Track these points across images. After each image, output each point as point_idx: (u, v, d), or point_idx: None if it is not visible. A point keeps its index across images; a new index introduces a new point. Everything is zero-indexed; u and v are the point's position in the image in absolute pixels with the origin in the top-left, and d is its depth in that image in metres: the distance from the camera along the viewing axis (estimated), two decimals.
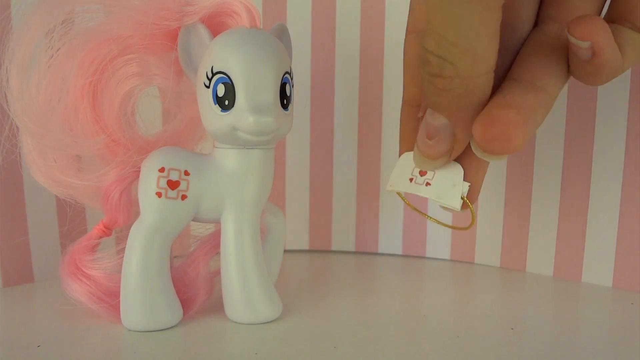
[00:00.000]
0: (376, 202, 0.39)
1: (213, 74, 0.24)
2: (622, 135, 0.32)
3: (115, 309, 0.26)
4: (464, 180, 0.25)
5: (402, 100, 0.27)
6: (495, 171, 0.37)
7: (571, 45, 0.21)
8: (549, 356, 0.24)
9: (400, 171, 0.27)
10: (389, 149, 0.39)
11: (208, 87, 0.25)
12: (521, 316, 0.29)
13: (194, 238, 0.30)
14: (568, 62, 0.23)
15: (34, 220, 0.32)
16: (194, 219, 0.27)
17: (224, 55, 0.24)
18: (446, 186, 0.25)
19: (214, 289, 0.28)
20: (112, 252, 0.27)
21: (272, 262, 0.29)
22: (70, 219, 0.31)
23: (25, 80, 0.25)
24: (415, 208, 0.29)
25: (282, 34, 0.27)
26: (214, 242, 0.28)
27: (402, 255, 0.40)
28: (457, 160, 0.25)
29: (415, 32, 0.26)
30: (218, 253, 0.27)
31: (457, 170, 0.25)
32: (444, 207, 0.26)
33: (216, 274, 0.28)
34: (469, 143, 0.24)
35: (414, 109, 0.27)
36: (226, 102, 0.24)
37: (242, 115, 0.24)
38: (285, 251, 0.31)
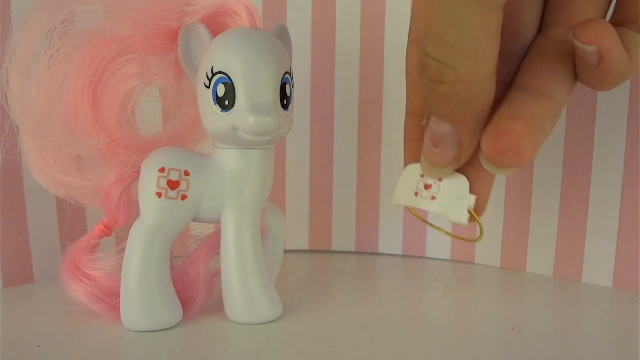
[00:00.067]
0: (376, 202, 0.39)
1: (213, 74, 0.24)
2: (622, 135, 0.32)
3: (115, 309, 0.26)
4: (470, 192, 0.24)
5: (406, 112, 0.27)
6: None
7: (577, 50, 0.21)
8: (549, 356, 0.24)
9: (404, 184, 0.26)
10: (389, 149, 0.39)
11: (208, 87, 0.25)
12: (521, 316, 0.29)
13: (194, 238, 0.30)
14: (574, 67, 0.22)
15: (34, 220, 0.32)
16: (194, 219, 0.27)
17: (224, 55, 0.24)
18: (452, 200, 0.24)
19: (214, 289, 0.28)
20: (112, 252, 0.27)
21: (272, 262, 0.29)
22: (70, 219, 0.31)
23: (25, 80, 0.25)
24: (425, 220, 0.28)
25: (282, 34, 0.27)
26: (214, 242, 0.28)
27: (402, 255, 0.40)
28: (462, 171, 0.24)
29: (417, 41, 0.26)
30: (218, 253, 0.27)
31: (463, 183, 0.24)
32: (452, 221, 0.25)
33: (216, 274, 0.28)
34: (476, 154, 0.23)
35: (418, 119, 0.26)
36: (226, 102, 0.24)
37: (242, 115, 0.24)
38: (285, 251, 0.31)
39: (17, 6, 0.30)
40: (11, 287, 0.32)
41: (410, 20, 0.26)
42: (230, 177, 0.26)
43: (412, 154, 0.26)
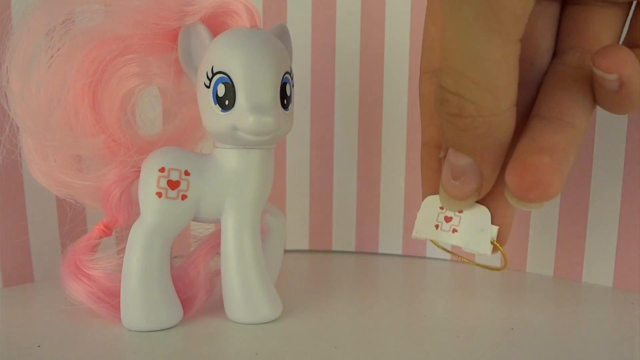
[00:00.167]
0: (376, 202, 0.39)
1: (213, 74, 0.24)
2: (623, 135, 0.32)
3: (115, 309, 0.26)
4: (492, 223, 0.24)
5: (422, 142, 0.26)
6: None
7: (597, 77, 0.20)
8: (549, 356, 0.24)
9: (425, 217, 0.26)
10: (389, 149, 0.39)
11: (208, 87, 0.25)
12: (521, 316, 0.29)
13: (194, 238, 0.30)
14: (593, 92, 0.22)
15: (34, 220, 0.32)
16: (194, 219, 0.27)
17: (224, 55, 0.24)
18: (474, 232, 0.24)
19: (214, 289, 0.28)
20: (112, 252, 0.27)
21: (272, 262, 0.29)
22: (70, 219, 0.31)
23: (26, 80, 0.25)
24: (449, 250, 0.28)
25: (282, 34, 0.27)
26: (214, 242, 0.28)
27: (402, 255, 0.40)
28: (483, 202, 0.24)
29: (431, 72, 0.25)
30: (218, 253, 0.27)
31: (484, 215, 0.24)
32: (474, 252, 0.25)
33: (216, 274, 0.28)
34: (497, 184, 0.23)
35: (435, 150, 0.26)
36: (226, 102, 0.24)
37: (242, 115, 0.24)
38: (285, 251, 0.31)
39: (17, 6, 0.30)
40: (11, 287, 0.32)
41: (422, 51, 0.26)
42: (231, 177, 0.26)
43: (430, 185, 0.26)
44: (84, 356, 0.24)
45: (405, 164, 0.39)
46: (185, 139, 0.29)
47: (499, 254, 0.25)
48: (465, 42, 0.18)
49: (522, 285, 0.34)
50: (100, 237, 0.27)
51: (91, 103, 0.25)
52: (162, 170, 0.25)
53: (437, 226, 0.25)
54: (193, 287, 0.28)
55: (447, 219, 0.25)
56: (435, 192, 0.25)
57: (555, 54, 0.24)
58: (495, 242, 0.24)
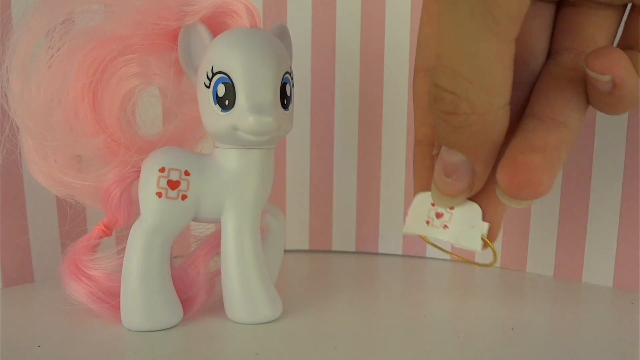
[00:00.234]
0: (376, 202, 0.39)
1: (213, 74, 0.24)
2: (623, 135, 0.32)
3: (115, 309, 0.26)
4: (483, 220, 0.24)
5: (415, 140, 0.26)
6: None
7: (590, 79, 0.20)
8: (549, 356, 0.24)
9: (415, 213, 0.26)
10: (389, 149, 0.39)
11: (208, 87, 0.25)
12: (521, 316, 0.29)
13: (194, 238, 0.30)
14: (586, 93, 0.22)
15: (34, 220, 0.32)
16: (194, 219, 0.27)
17: (224, 55, 0.24)
18: (465, 228, 0.24)
19: (214, 289, 0.28)
20: (112, 252, 0.27)
21: (272, 262, 0.29)
22: (70, 219, 0.31)
23: (26, 80, 0.25)
24: (438, 246, 0.28)
25: (282, 34, 0.27)
26: (214, 242, 0.28)
27: (402, 255, 0.40)
28: (474, 198, 0.24)
29: (425, 71, 0.25)
30: (218, 253, 0.27)
31: (475, 211, 0.24)
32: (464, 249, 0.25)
33: (216, 274, 0.28)
34: (487, 181, 0.23)
35: (428, 148, 0.26)
36: (226, 102, 0.24)
37: (242, 115, 0.24)
38: (285, 251, 0.31)
39: (18, 6, 0.30)
40: (11, 287, 0.32)
41: (417, 50, 0.26)
42: (231, 177, 0.26)
43: (422, 182, 0.26)
44: (84, 356, 0.24)
45: (406, 164, 0.39)
46: (185, 139, 0.29)
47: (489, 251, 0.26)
48: (461, 40, 0.18)
49: (522, 285, 0.34)
50: (100, 237, 0.27)
51: (91, 103, 0.25)
52: (162, 170, 0.25)
53: (428, 222, 0.25)
54: (193, 287, 0.28)
55: (439, 215, 0.25)
56: (427, 189, 0.25)
57: (549, 55, 0.24)
58: (486, 239, 0.24)
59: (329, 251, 0.41)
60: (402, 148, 0.38)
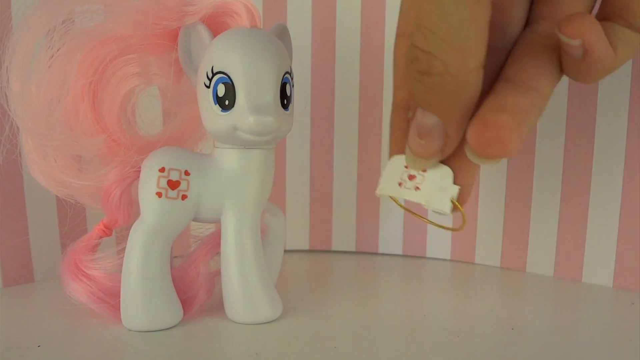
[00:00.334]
0: (376, 202, 0.39)
1: (213, 74, 0.24)
2: (623, 135, 0.32)
3: (115, 308, 0.26)
4: (454, 183, 0.24)
5: (392, 104, 0.27)
6: (496, 171, 0.37)
7: (562, 44, 0.21)
8: (549, 356, 0.24)
9: (389, 175, 0.26)
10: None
11: (208, 87, 0.25)
12: (521, 316, 0.29)
13: (194, 238, 0.30)
14: (560, 60, 0.22)
15: (34, 220, 0.32)
16: (194, 219, 0.27)
17: (225, 55, 0.24)
18: (435, 190, 0.25)
19: (214, 289, 0.28)
20: (112, 252, 0.27)
21: (272, 262, 0.29)
22: (70, 219, 0.31)
23: (26, 80, 0.25)
24: (408, 209, 0.28)
25: (282, 34, 0.27)
26: (214, 242, 0.28)
27: (402, 255, 0.40)
28: (446, 162, 0.24)
29: (406, 35, 0.25)
30: (218, 253, 0.27)
31: (447, 174, 0.24)
32: (434, 211, 0.25)
33: (216, 274, 0.28)
34: (460, 145, 0.23)
35: (405, 112, 0.26)
36: (226, 102, 0.24)
37: (242, 115, 0.24)
38: (285, 251, 0.31)
39: (17, 6, 0.30)
40: (11, 287, 0.32)
41: (399, 15, 0.26)
42: (231, 177, 0.26)
43: (398, 146, 0.26)
44: (84, 356, 0.24)
45: None
46: (185, 139, 0.29)
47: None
48: (437, 0, 0.19)
49: (522, 285, 0.34)
50: (100, 237, 0.27)
51: (91, 103, 0.25)
52: (162, 170, 0.25)
53: (400, 184, 0.26)
54: (193, 287, 0.28)
55: (411, 177, 0.25)
56: (402, 152, 0.26)
57: (527, 23, 0.24)
58: (455, 201, 0.25)
59: (329, 251, 0.41)
60: None
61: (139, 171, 0.26)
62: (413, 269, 0.37)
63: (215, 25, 0.26)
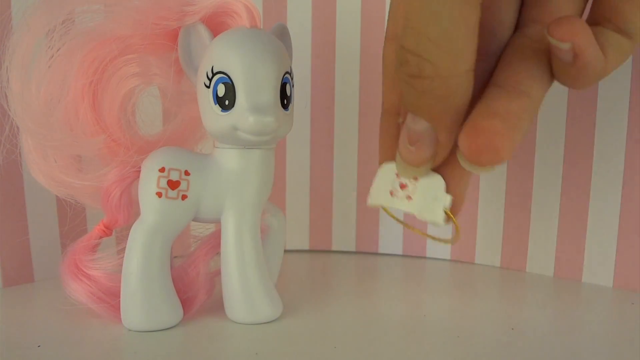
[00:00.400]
0: None
1: (213, 74, 0.24)
2: (623, 135, 0.32)
3: (115, 309, 0.26)
4: (446, 192, 0.24)
5: (382, 109, 0.26)
6: (496, 171, 0.36)
7: (552, 48, 0.21)
8: (549, 356, 0.24)
9: (380, 183, 0.26)
10: None
11: (208, 87, 0.25)
12: (521, 316, 0.29)
13: (194, 238, 0.30)
14: (551, 65, 0.22)
15: (34, 220, 0.32)
16: (194, 219, 0.27)
17: (224, 55, 0.24)
18: (428, 200, 0.24)
19: (214, 289, 0.28)
20: (112, 252, 0.27)
21: (272, 262, 0.29)
22: (70, 219, 0.31)
23: (26, 80, 0.25)
24: (400, 221, 0.28)
25: (282, 34, 0.27)
26: (214, 242, 0.28)
27: (402, 255, 0.40)
28: (438, 170, 0.24)
29: (395, 38, 0.25)
30: (218, 253, 0.27)
31: (439, 183, 0.24)
32: (428, 222, 0.25)
33: (216, 274, 0.28)
34: (452, 153, 0.23)
35: (394, 117, 0.26)
36: (226, 102, 0.24)
37: (242, 115, 0.24)
38: (285, 251, 0.31)
39: (17, 6, 0.30)
40: (11, 287, 0.32)
41: (388, 18, 0.26)
42: (231, 177, 0.26)
43: (387, 153, 0.26)
44: (84, 356, 0.24)
45: None
46: (185, 139, 0.29)
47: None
48: (427, 2, 0.19)
49: (522, 285, 0.34)
50: (100, 237, 0.27)
51: (91, 103, 0.25)
52: (162, 170, 0.25)
53: (391, 193, 0.25)
54: (193, 287, 0.28)
55: (402, 186, 0.25)
56: (392, 160, 0.25)
57: (517, 27, 0.24)
58: (448, 212, 0.24)
59: (329, 251, 0.41)
60: None
61: (139, 171, 0.26)
62: (413, 269, 0.37)
63: (215, 25, 0.26)
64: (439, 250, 0.39)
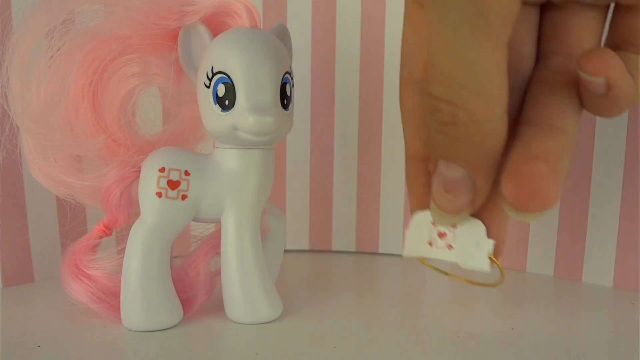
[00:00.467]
0: (376, 202, 0.39)
1: (213, 74, 0.24)
2: (623, 135, 0.32)
3: (115, 309, 0.26)
4: (487, 236, 0.23)
5: (406, 156, 0.25)
6: None
7: (583, 82, 0.20)
8: (549, 356, 0.24)
9: (415, 233, 0.25)
10: (389, 149, 0.39)
11: (208, 87, 0.25)
12: (521, 316, 0.29)
13: (194, 238, 0.30)
14: (579, 96, 0.21)
15: (34, 220, 0.32)
16: (194, 219, 0.27)
17: (224, 55, 0.24)
18: (470, 247, 0.23)
19: (214, 289, 0.28)
20: (112, 252, 0.27)
21: (272, 262, 0.29)
22: (70, 219, 0.31)
23: (26, 80, 0.25)
24: (441, 270, 0.27)
25: (282, 34, 0.27)
26: (214, 242, 0.28)
27: (402, 255, 0.40)
28: (476, 214, 0.23)
29: (412, 83, 0.24)
30: (218, 253, 0.27)
31: (479, 228, 0.23)
32: (472, 269, 0.24)
33: (216, 274, 0.28)
34: (489, 194, 0.22)
35: (421, 164, 0.25)
36: (226, 102, 0.24)
37: (242, 115, 0.24)
38: (285, 251, 0.31)
39: (17, 6, 0.30)
40: (11, 287, 0.32)
41: (401, 64, 0.25)
42: (231, 177, 0.26)
43: (419, 201, 0.25)
44: (84, 356, 0.24)
45: None
46: (185, 139, 0.29)
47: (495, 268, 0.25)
48: (454, 46, 0.18)
49: (522, 285, 0.34)
50: (100, 237, 0.27)
51: (91, 103, 0.25)
52: (162, 170, 0.25)
53: (430, 243, 0.24)
54: (193, 287, 0.28)
55: (441, 235, 0.24)
56: (424, 207, 0.24)
57: (537, 59, 0.23)
58: (492, 257, 0.23)
59: (329, 251, 0.41)
60: (402, 148, 0.38)
61: (139, 171, 0.26)
62: (413, 269, 0.37)
63: (215, 25, 0.26)
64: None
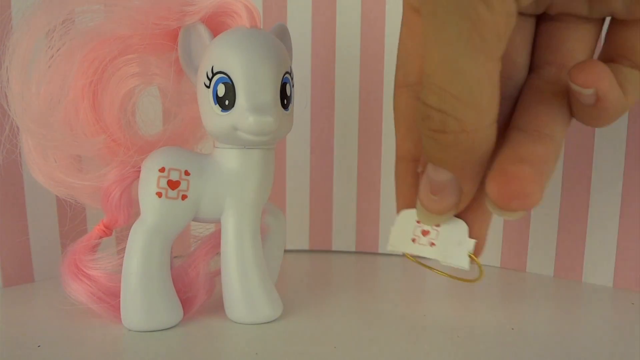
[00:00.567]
0: (376, 202, 0.39)
1: (213, 74, 0.24)
2: (623, 135, 0.32)
3: (115, 309, 0.26)
4: (469, 236, 0.24)
5: (396, 156, 0.26)
6: None
7: (574, 92, 0.21)
8: (549, 356, 0.24)
9: (400, 230, 0.26)
10: (389, 149, 0.39)
11: (208, 87, 0.25)
12: (521, 316, 0.29)
13: (194, 238, 0.30)
14: (569, 105, 0.22)
15: (34, 220, 0.32)
16: (194, 219, 0.27)
17: (224, 55, 0.24)
18: (451, 245, 0.24)
19: (214, 289, 0.28)
20: (112, 252, 0.27)
21: (272, 262, 0.29)
22: (70, 219, 0.31)
23: (26, 80, 0.25)
24: (422, 263, 0.28)
25: (282, 34, 0.27)
26: (214, 242, 0.28)
27: (402, 255, 0.40)
28: (459, 215, 0.24)
29: (407, 87, 0.25)
30: (218, 253, 0.27)
31: (462, 228, 0.24)
32: (452, 266, 0.25)
33: (216, 274, 0.28)
34: (472, 198, 0.23)
35: (411, 164, 0.26)
36: (226, 102, 0.24)
37: (242, 115, 0.24)
38: (285, 251, 0.31)
39: (17, 6, 0.30)
40: (11, 287, 0.32)
41: (397, 66, 0.26)
42: (231, 177, 0.26)
43: (406, 200, 0.26)
44: (84, 356, 0.24)
45: None
46: (185, 139, 0.29)
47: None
48: (449, 60, 0.19)
49: (522, 285, 0.34)
50: (100, 237, 0.27)
51: (91, 103, 0.25)
52: (162, 170, 0.25)
53: (413, 240, 0.26)
54: (193, 287, 0.28)
55: (424, 233, 0.25)
56: (411, 206, 0.25)
57: (531, 69, 0.24)
58: (472, 255, 0.24)
59: (329, 251, 0.41)
60: None
61: (139, 171, 0.26)
62: (413, 269, 0.37)
63: (215, 25, 0.26)
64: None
